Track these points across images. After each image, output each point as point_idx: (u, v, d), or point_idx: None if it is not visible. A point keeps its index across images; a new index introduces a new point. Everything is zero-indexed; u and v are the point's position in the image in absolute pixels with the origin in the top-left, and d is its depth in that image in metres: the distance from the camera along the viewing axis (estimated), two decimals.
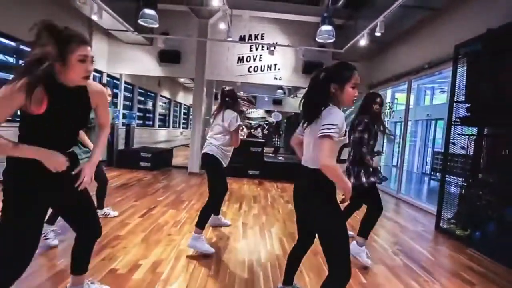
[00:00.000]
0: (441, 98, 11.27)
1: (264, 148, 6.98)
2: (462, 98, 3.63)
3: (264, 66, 7.21)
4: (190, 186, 5.19)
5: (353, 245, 2.51)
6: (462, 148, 3.62)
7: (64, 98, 1.24)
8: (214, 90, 8.46)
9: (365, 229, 2.54)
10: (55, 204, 1.44)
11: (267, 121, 23.91)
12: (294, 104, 14.43)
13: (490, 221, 3.03)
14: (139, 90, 9.36)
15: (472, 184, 3.37)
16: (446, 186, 3.73)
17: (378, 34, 4.61)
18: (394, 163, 11.83)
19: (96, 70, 6.76)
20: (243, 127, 10.74)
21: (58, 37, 1.16)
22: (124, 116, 8.08)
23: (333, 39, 5.57)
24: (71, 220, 1.50)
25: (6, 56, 4.88)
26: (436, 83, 10.54)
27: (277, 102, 14.41)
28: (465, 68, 3.63)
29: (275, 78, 7.26)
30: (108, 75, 7.31)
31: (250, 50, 7.19)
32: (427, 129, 10.86)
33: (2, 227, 1.20)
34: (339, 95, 1.45)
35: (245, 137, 11.44)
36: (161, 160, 7.08)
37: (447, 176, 3.73)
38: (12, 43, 4.75)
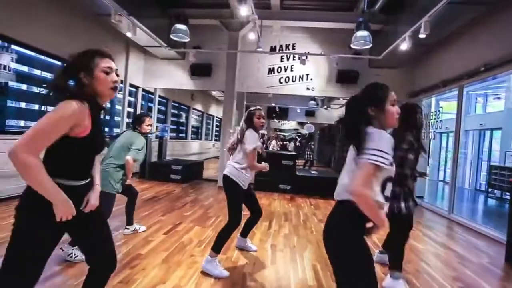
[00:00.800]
0: (495, 105, 10.08)
1: (296, 161, 6.64)
2: None
3: (295, 76, 6.98)
4: (218, 201, 5.02)
5: (388, 279, 2.14)
6: None
7: (99, 118, 1.24)
8: (245, 103, 8.39)
9: (396, 260, 2.20)
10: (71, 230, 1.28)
11: (300, 133, 23.47)
12: (327, 115, 13.95)
13: None
14: (172, 103, 9.61)
15: None
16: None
17: (422, 36, 4.15)
18: (441, 178, 10.73)
19: (132, 85, 7.04)
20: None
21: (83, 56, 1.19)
22: (157, 129, 8.29)
23: (370, 45, 5.20)
24: (88, 248, 1.32)
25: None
26: (489, 89, 9.47)
27: (310, 113, 14.05)
28: None
29: (308, 89, 6.98)
30: (144, 90, 7.59)
31: (281, 61, 7.02)
32: (480, 140, 9.72)
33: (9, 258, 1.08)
34: (380, 118, 1.26)
35: (278, 150, 11.15)
36: (191, 172, 7.06)
37: None
38: (58, 63, 5.06)
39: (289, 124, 20.17)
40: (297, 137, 24.41)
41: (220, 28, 6.57)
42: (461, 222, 4.65)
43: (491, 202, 7.79)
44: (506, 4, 3.94)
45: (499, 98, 9.89)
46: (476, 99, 10.11)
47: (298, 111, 13.84)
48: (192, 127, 12.09)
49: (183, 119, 11.20)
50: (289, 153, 6.31)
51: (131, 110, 7.22)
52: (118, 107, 6.77)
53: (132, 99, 7.25)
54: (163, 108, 9.19)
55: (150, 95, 8.13)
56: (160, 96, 8.55)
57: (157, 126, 7.94)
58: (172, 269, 2.36)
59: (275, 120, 17.96)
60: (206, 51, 6.60)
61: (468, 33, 4.75)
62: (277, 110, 13.96)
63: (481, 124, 9.38)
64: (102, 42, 5.92)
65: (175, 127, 10.48)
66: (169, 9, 6.16)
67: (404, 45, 4.73)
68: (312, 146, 11.82)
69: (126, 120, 6.80)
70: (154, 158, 7.52)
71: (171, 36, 5.53)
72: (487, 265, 2.99)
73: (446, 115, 9.87)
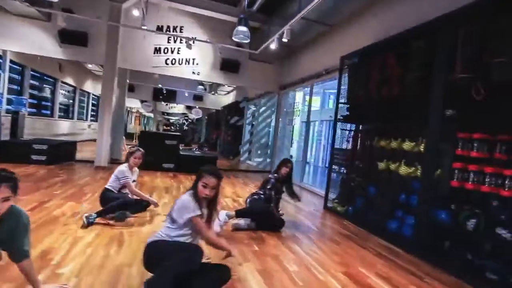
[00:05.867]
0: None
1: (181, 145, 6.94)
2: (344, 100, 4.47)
3: (182, 59, 7.16)
4: (96, 180, 4.81)
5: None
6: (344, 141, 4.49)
7: None
8: (127, 81, 7.90)
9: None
10: None
11: (187, 117, 23.38)
12: (214, 101, 14.61)
13: (359, 197, 3.85)
14: (32, 73, 8.03)
15: (350, 170, 4.20)
16: (333, 174, 4.51)
17: (285, 40, 5.19)
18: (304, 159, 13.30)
19: None
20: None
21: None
22: (10, 102, 6.86)
23: (248, 40, 5.97)
24: None
25: None
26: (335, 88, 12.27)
27: (198, 98, 14.33)
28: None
29: (193, 73, 7.30)
30: None
31: (168, 42, 7.04)
32: (329, 128, 12.56)
33: None
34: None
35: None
36: (60, 153, 6.27)
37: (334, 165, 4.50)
38: None
39: (177, 108, 19.82)
40: (184, 121, 24.28)
41: None
42: (307, 187, 6.19)
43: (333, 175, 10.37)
44: (342, 25, 5.38)
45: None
46: (329, 96, 12.91)
47: (186, 94, 13.89)
48: (61, 104, 10.38)
49: (47, 94, 9.47)
50: (172, 133, 6.51)
51: None
52: None
53: None
54: (17, 77, 7.56)
55: None
56: (13, 62, 7.02)
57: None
58: (42, 237, 2.35)
59: (163, 102, 17.36)
60: (80, 17, 5.89)
61: (318, 43, 6.17)
62: (164, 92, 13.58)
63: (330, 116, 12.10)
64: None
65: (35, 101, 8.77)
66: None
67: (273, 45, 5.72)
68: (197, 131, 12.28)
69: None
70: (5, 137, 6.24)
71: None
72: (313, 211, 4.26)
73: (313, 108, 12.14)
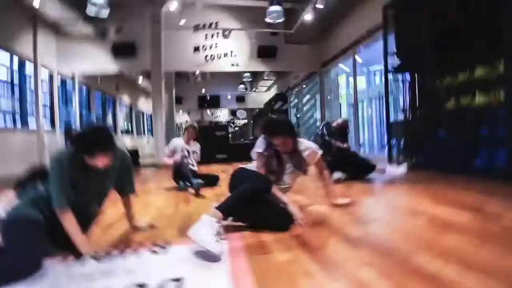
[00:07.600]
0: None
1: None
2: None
3: (220, 54, 7.39)
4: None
5: None
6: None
7: None
8: (174, 89, 8.34)
9: None
10: None
11: (233, 122, 23.85)
12: (257, 99, 14.73)
13: (428, 145, 3.44)
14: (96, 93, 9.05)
15: (413, 118, 3.81)
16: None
17: (320, 6, 5.02)
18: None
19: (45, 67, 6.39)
20: None
21: None
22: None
23: (283, 19, 5.91)
24: None
25: None
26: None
27: (240, 99, 14.53)
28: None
29: (232, 65, 7.47)
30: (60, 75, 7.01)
31: (206, 39, 7.35)
32: (379, 105, 11.71)
33: None
34: None
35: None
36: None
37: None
38: None
39: (223, 116, 20.37)
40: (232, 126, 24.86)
41: (142, 4, 6.52)
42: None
43: None
44: None
45: None
46: (375, 73, 12.13)
47: (229, 97, 14.24)
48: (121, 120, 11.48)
49: (109, 111, 10.57)
50: (221, 124, 6.71)
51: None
52: None
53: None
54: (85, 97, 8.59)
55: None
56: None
57: None
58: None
59: (208, 112, 17.99)
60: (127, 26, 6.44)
61: (354, 8, 5.80)
62: (208, 98, 14.11)
63: (379, 92, 11.32)
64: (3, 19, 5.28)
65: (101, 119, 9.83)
66: None
67: (308, 16, 5.56)
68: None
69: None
70: None
71: (89, 5, 5.25)
72: None
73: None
